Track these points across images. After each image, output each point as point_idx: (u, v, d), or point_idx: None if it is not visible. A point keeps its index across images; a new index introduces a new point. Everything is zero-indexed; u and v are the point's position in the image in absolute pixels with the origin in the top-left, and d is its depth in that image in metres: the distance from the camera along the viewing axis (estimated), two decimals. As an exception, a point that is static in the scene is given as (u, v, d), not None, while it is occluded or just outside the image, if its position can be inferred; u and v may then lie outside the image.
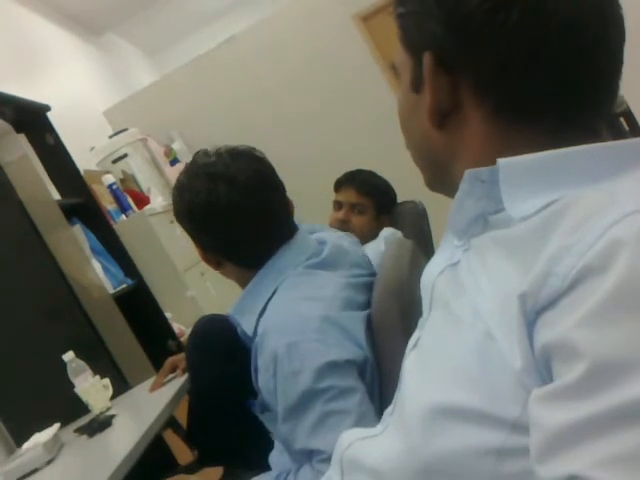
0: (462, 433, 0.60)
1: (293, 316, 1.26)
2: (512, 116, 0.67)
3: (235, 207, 1.35)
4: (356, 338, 1.25)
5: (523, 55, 0.64)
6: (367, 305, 1.35)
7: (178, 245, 3.61)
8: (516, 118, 0.67)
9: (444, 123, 0.71)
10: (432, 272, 0.77)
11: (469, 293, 0.66)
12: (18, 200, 2.35)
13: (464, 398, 0.60)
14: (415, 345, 0.77)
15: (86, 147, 4.12)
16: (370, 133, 4.60)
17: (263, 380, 1.27)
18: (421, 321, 0.81)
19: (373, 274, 1.44)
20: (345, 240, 1.55)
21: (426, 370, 0.70)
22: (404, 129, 0.80)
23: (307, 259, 1.38)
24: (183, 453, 2.26)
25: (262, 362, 1.26)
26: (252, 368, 1.33)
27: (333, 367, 1.18)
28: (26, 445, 1.83)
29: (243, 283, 1.42)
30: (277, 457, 1.39)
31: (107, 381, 2.10)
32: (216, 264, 1.45)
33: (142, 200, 3.88)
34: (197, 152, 1.44)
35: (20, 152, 2.70)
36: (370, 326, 1.31)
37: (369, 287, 1.39)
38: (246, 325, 1.37)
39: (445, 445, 0.62)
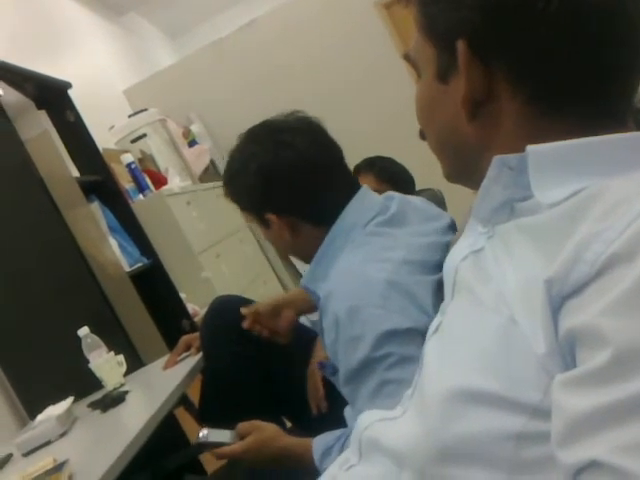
0: (482, 417, 0.61)
1: (357, 279, 1.23)
2: (547, 105, 0.66)
3: (306, 159, 1.36)
4: (422, 304, 1.19)
5: (562, 42, 0.63)
6: (442, 266, 1.32)
7: (194, 226, 3.63)
8: (551, 107, 0.66)
9: (476, 113, 0.70)
10: (455, 258, 0.77)
11: (493, 280, 0.66)
12: (38, 176, 2.36)
13: (485, 382, 0.61)
14: (436, 330, 0.77)
15: (106, 126, 4.13)
16: (389, 120, 4.57)
17: (328, 342, 1.25)
18: (443, 306, 0.81)
19: (452, 225, 1.40)
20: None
21: (448, 354, 0.70)
22: (425, 120, 0.79)
23: (374, 217, 1.34)
24: (195, 431, 2.27)
25: (326, 324, 1.25)
26: (319, 329, 1.33)
27: (393, 335, 1.14)
28: (39, 417, 1.84)
29: (314, 248, 1.37)
30: (349, 410, 1.35)
31: (121, 357, 2.11)
32: (290, 229, 1.38)
33: (160, 180, 3.89)
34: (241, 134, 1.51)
35: (41, 128, 2.71)
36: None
37: (445, 245, 1.32)
38: (322, 293, 1.32)
39: (464, 428, 0.62)
